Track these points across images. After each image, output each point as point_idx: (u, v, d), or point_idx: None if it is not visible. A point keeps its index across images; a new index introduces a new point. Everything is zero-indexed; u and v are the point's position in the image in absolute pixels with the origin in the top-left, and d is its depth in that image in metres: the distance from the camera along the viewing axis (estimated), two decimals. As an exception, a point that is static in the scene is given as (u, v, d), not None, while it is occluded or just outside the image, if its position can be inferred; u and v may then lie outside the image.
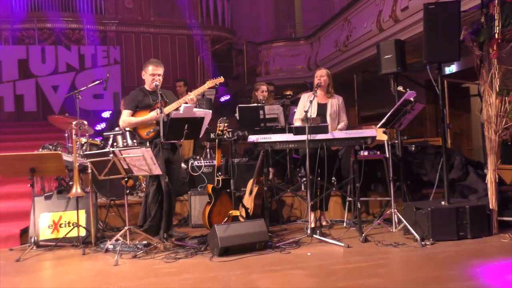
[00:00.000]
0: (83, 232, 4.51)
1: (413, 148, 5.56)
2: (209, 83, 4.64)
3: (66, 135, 5.83)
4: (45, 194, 4.77)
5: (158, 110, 4.19)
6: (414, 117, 4.61)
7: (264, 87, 6.30)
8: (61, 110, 9.94)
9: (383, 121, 4.14)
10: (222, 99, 9.58)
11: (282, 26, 13.37)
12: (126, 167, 4.02)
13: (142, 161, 3.94)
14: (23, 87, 10.43)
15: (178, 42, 11.87)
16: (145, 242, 4.21)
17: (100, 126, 7.78)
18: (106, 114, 8.05)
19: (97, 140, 5.85)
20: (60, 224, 4.61)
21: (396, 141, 4.94)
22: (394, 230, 4.46)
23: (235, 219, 4.29)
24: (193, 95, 4.52)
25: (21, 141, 8.15)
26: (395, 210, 4.37)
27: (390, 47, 4.88)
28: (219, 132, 4.41)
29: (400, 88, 4.54)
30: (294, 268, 3.45)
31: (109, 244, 4.20)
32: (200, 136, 4.47)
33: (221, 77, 4.76)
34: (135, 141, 5.45)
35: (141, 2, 11.60)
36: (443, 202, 4.29)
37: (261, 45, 11.85)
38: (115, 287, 3.15)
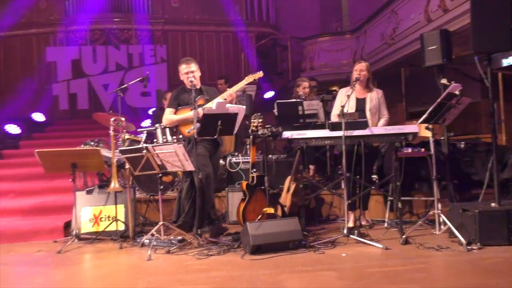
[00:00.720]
0: (121, 226, 4.61)
1: (463, 145, 5.22)
2: (248, 78, 4.60)
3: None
4: (87, 189, 4.92)
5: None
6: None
7: (305, 83, 6.15)
8: (111, 108, 10.28)
9: (424, 116, 3.89)
10: (266, 95, 9.50)
11: (328, 21, 13.08)
12: (159, 163, 4.05)
13: (174, 157, 3.94)
14: (76, 86, 10.90)
15: (223, 39, 11.92)
16: (180, 237, 4.23)
17: (146, 122, 7.99)
18: (151, 111, 8.26)
19: (139, 137, 5.95)
20: (101, 218, 4.74)
21: (442, 138, 4.65)
22: (437, 233, 4.19)
23: (270, 216, 4.21)
24: (231, 91, 4.51)
25: (74, 138, 8.46)
26: (439, 211, 4.09)
27: (435, 38, 4.58)
28: (253, 128, 4.34)
29: (444, 81, 4.25)
30: (326, 269, 3.31)
31: (145, 239, 4.26)
32: (235, 132, 4.41)
33: (261, 71, 4.70)
34: (175, 137, 5.53)
35: (187, 1, 11.74)
36: (493, 204, 3.96)
37: (305, 40, 11.64)
38: (143, 281, 3.17)
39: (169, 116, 4.56)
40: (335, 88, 9.41)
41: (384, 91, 4.77)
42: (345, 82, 9.87)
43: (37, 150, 4.32)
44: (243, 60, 11.62)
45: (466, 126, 9.86)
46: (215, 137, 4.21)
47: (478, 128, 9.01)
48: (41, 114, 9.19)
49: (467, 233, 3.85)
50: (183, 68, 4.51)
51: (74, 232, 4.54)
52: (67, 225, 4.89)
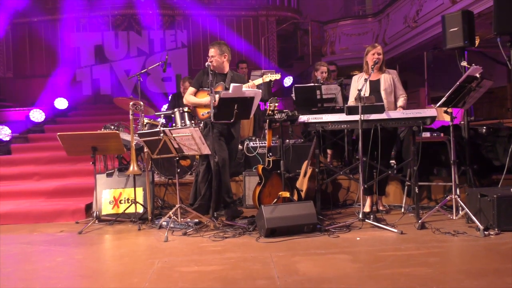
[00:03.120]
0: (140, 209, 4.71)
1: (484, 130, 5.10)
2: (265, 77, 4.66)
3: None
4: (107, 172, 5.04)
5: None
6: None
7: (324, 68, 6.11)
8: (133, 93, 10.43)
9: (443, 99, 3.81)
10: (286, 83, 9.41)
11: (350, 4, 12.85)
12: (176, 146, 4.11)
13: (191, 140, 3.99)
14: (99, 71, 11.09)
15: (244, 24, 11.85)
16: (196, 220, 4.31)
17: (165, 107, 8.08)
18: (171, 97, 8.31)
19: (158, 121, 6.04)
20: (120, 200, 4.86)
21: (462, 122, 4.55)
22: (455, 218, 4.14)
23: (285, 200, 4.23)
24: (253, 83, 4.57)
25: (96, 122, 8.62)
26: (456, 196, 4.03)
27: (457, 19, 4.46)
28: (270, 112, 4.34)
29: (465, 63, 4.15)
30: (339, 252, 3.33)
31: (162, 221, 4.36)
32: (251, 116, 4.43)
33: (279, 74, 4.78)
34: (193, 122, 5.60)
35: (207, -15, 11.70)
36: (512, 189, 3.89)
37: (326, 24, 11.49)
38: (160, 261, 3.24)
39: (188, 96, 4.67)
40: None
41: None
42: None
43: (59, 133, 4.44)
44: (264, 45, 11.54)
45: (491, 111, 9.61)
46: (232, 121, 4.24)
47: (505, 113, 8.78)
48: (65, 100, 9.37)
49: (485, 218, 3.80)
50: (209, 51, 4.60)
51: (95, 214, 4.67)
52: (89, 207, 5.04)
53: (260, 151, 5.69)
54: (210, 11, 11.74)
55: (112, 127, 5.40)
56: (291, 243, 3.62)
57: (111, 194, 4.87)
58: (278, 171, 4.40)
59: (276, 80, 8.20)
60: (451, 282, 2.67)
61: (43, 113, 8.49)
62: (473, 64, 3.80)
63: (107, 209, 4.82)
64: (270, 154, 4.51)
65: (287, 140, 5.67)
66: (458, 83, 3.72)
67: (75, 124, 9.00)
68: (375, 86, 4.54)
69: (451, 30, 4.53)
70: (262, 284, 2.72)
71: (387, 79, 4.55)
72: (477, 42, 5.07)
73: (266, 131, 4.57)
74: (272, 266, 3.04)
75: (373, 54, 4.52)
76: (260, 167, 4.50)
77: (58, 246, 3.85)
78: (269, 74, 4.75)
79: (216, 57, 4.58)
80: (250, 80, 4.79)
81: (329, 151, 6.16)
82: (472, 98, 3.95)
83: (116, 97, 6.29)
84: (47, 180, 6.04)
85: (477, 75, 3.72)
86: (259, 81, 4.67)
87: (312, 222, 3.92)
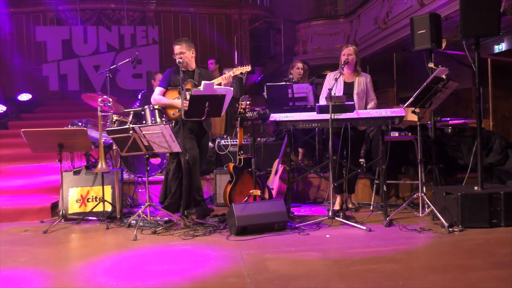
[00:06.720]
0: (109, 207, 4.62)
1: (450, 130, 5.25)
2: (235, 70, 4.61)
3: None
4: (74, 170, 4.91)
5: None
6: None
7: (299, 64, 6.16)
8: (102, 89, 10.20)
9: (411, 99, 3.90)
10: (258, 80, 9.45)
11: (322, 4, 12.98)
12: (146, 144, 4.04)
13: (161, 138, 3.94)
14: (67, 66, 10.77)
15: (216, 21, 11.78)
16: (166, 218, 4.25)
17: (136, 104, 7.93)
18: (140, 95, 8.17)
19: (128, 118, 5.93)
20: (88, 199, 4.75)
21: (429, 122, 4.67)
22: (421, 215, 4.24)
23: (256, 198, 4.23)
24: (229, 74, 4.52)
25: (63, 119, 8.39)
26: (423, 194, 4.13)
27: (424, 22, 4.57)
28: (241, 110, 4.33)
29: (431, 65, 4.26)
30: (309, 250, 3.36)
31: (131, 220, 4.27)
32: (222, 114, 4.41)
33: (249, 66, 4.71)
34: (163, 119, 5.51)
35: (180, -19, 11.57)
36: (476, 187, 4.02)
37: (299, 23, 11.57)
38: (128, 260, 3.19)
39: (157, 97, 4.53)
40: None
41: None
42: (338, 66, 9.84)
43: (23, 130, 4.30)
44: (236, 43, 11.51)
45: (457, 112, 9.91)
46: (203, 118, 4.20)
47: (470, 114, 9.06)
48: (27, 94, 9.08)
49: (449, 215, 3.91)
50: (175, 48, 4.48)
51: (61, 213, 4.55)
52: (55, 205, 4.90)
53: (232, 149, 5.67)
54: (182, 7, 11.62)
55: (80, 123, 5.26)
56: (261, 241, 3.62)
57: (78, 192, 4.75)
58: (249, 169, 4.39)
59: (248, 78, 8.22)
60: (417, 278, 2.74)
61: (4, 106, 8.16)
62: (440, 66, 3.89)
63: (74, 207, 4.70)
64: (241, 152, 4.51)
65: (259, 139, 5.68)
66: (425, 84, 3.81)
67: (41, 120, 8.71)
68: (349, 88, 4.59)
69: (419, 32, 4.63)
70: (232, 282, 2.72)
71: (361, 83, 4.60)
72: (444, 44, 5.20)
73: (238, 129, 4.56)
74: (242, 264, 3.04)
75: (344, 55, 4.58)
76: (231, 165, 4.50)
77: (22, 246, 3.73)
78: (239, 67, 4.71)
79: (186, 53, 4.47)
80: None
81: (300, 150, 6.21)
82: (438, 99, 4.05)
83: (85, 93, 6.15)
84: (11, 178, 5.84)
85: (443, 76, 3.81)
86: (230, 73, 4.63)
87: (283, 220, 3.94)
